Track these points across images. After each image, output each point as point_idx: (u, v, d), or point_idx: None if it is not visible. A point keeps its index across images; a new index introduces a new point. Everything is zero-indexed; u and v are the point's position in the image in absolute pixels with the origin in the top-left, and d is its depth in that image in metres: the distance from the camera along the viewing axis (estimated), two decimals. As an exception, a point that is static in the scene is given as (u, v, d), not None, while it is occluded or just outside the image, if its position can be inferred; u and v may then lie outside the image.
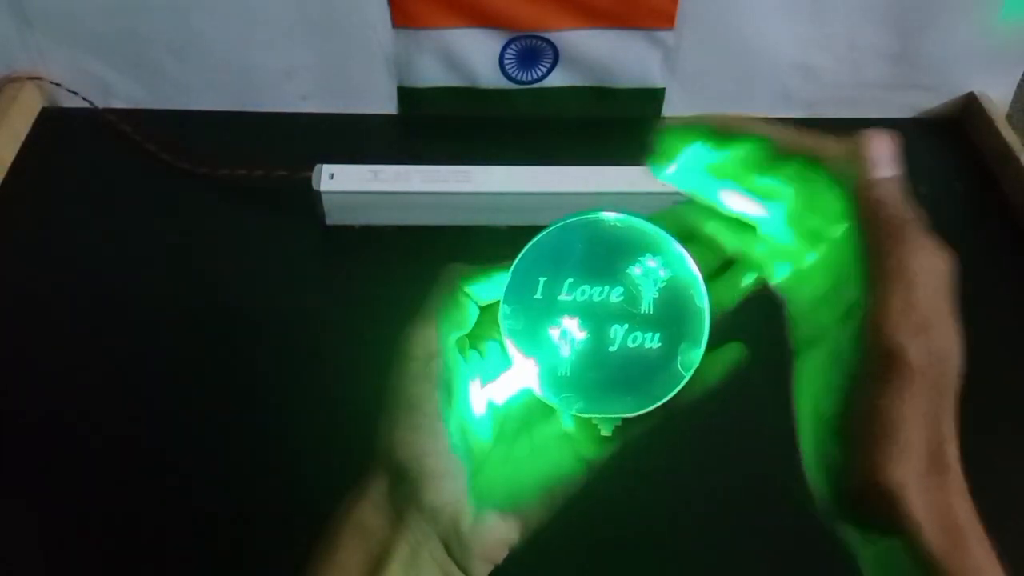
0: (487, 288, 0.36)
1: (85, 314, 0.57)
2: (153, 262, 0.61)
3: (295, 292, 0.59)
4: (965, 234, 0.68)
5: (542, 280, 0.36)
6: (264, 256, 0.62)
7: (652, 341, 0.36)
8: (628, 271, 0.36)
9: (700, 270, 0.35)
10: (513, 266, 0.36)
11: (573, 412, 0.35)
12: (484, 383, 0.36)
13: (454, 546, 0.33)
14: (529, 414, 0.37)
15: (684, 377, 0.35)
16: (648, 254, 0.36)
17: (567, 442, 0.36)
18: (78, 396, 0.52)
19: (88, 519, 0.47)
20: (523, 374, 0.36)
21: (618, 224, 0.36)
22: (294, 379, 0.53)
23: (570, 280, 0.36)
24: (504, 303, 0.36)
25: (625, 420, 0.36)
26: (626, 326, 0.36)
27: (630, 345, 0.36)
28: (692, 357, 0.35)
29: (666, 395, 0.35)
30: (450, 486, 0.33)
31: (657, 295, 0.36)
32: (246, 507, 0.47)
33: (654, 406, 0.35)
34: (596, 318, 0.36)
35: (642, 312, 0.36)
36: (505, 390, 0.36)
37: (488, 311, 0.37)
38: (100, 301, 0.58)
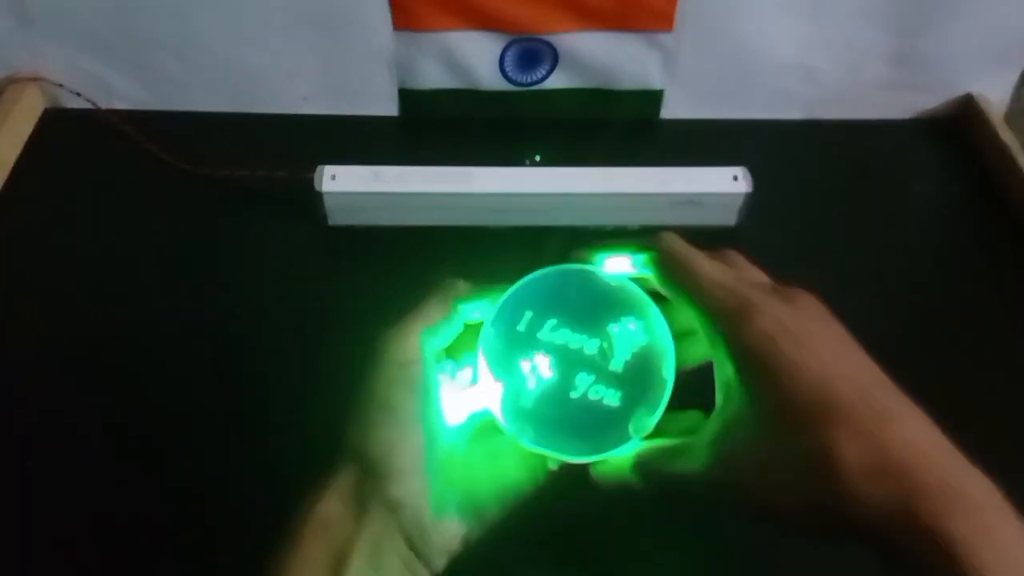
0: (477, 307, 0.38)
1: (86, 314, 0.57)
2: (154, 262, 0.61)
3: (297, 292, 0.59)
4: (965, 234, 0.68)
5: (528, 314, 0.38)
6: (266, 257, 0.62)
7: (613, 398, 0.37)
8: (608, 328, 0.38)
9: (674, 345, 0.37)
10: (507, 294, 0.38)
11: (524, 442, 0.37)
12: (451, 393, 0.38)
13: (416, 539, 0.35)
14: (491, 422, 0.39)
15: (631, 440, 0.37)
16: (632, 317, 0.38)
17: (523, 453, 0.38)
18: (78, 396, 0.53)
19: (87, 518, 0.47)
20: (488, 395, 0.38)
21: (611, 283, 0.38)
22: (296, 379, 0.53)
23: (553, 321, 0.38)
24: (489, 324, 0.38)
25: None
26: (592, 378, 0.37)
27: (591, 397, 0.37)
28: (645, 423, 0.37)
29: (610, 451, 0.37)
30: (415, 483, 0.35)
31: (630, 357, 0.37)
32: (245, 507, 0.47)
33: (595, 457, 0.37)
34: (568, 363, 0.37)
35: (611, 369, 0.37)
36: (468, 405, 0.38)
37: (470, 327, 0.39)
38: (101, 301, 0.58)
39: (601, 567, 0.46)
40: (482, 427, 0.39)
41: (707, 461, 0.33)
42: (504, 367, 0.38)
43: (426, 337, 0.37)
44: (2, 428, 0.51)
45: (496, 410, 0.37)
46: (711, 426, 0.34)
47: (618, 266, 0.39)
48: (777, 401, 0.30)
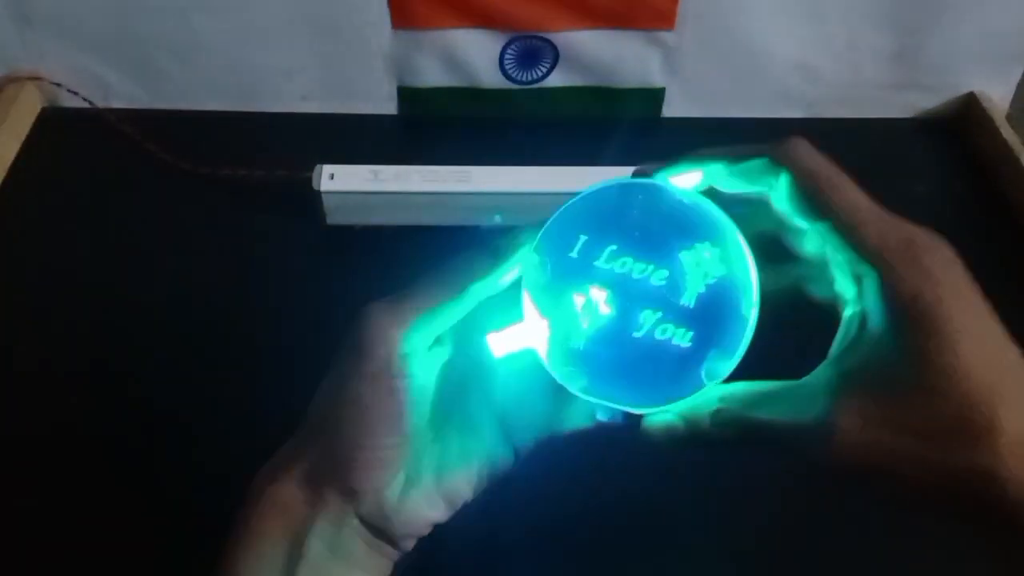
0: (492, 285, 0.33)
1: (85, 314, 0.57)
2: (153, 262, 0.61)
3: (295, 292, 0.59)
4: (965, 234, 0.68)
5: (582, 238, 0.32)
6: (264, 256, 0.62)
7: (683, 338, 0.32)
8: (679, 255, 0.32)
9: (758, 277, 0.31)
10: (556, 213, 0.32)
11: (575, 390, 0.32)
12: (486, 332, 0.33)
13: (377, 524, 0.33)
14: (462, 394, 0.35)
15: (704, 386, 0.31)
16: (708, 243, 0.32)
17: (498, 425, 0.35)
18: (77, 395, 0.52)
19: (85, 516, 0.47)
20: (532, 334, 0.32)
21: (684, 200, 0.32)
22: (294, 379, 0.53)
23: (613, 247, 0.32)
24: (534, 251, 0.32)
25: (627, 414, 0.32)
26: (659, 314, 0.32)
27: (657, 336, 0.32)
28: (720, 368, 0.31)
29: (678, 399, 0.32)
30: (378, 475, 0.32)
31: (703, 290, 0.32)
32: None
33: (661, 407, 0.32)
34: (628, 296, 0.32)
35: (681, 304, 0.32)
36: (507, 344, 0.33)
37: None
38: (100, 301, 0.58)
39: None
40: (453, 396, 0.35)
41: (823, 411, 0.28)
42: (553, 302, 0.32)
43: (420, 325, 0.32)
44: (2, 427, 0.51)
45: (542, 352, 0.32)
46: (827, 371, 0.30)
47: (692, 180, 0.33)
48: (937, 357, 0.27)
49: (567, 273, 0.32)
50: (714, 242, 0.32)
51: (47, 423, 0.51)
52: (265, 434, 0.50)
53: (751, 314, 0.31)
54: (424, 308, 0.32)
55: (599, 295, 0.32)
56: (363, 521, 0.33)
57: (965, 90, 0.73)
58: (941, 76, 0.72)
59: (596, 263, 0.32)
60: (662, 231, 0.32)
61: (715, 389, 0.31)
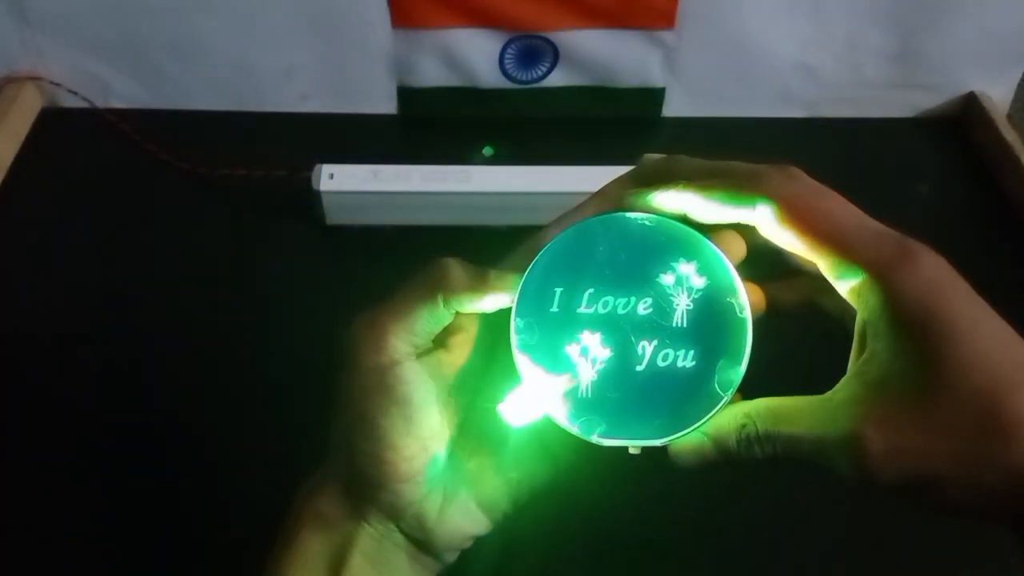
0: (475, 299, 0.32)
1: (84, 314, 0.57)
2: (153, 262, 0.61)
3: (295, 292, 0.59)
4: (965, 234, 0.68)
5: (558, 291, 0.32)
6: (264, 256, 0.62)
7: (686, 359, 0.32)
8: (658, 278, 0.32)
9: (741, 274, 0.31)
10: (526, 274, 0.32)
11: (594, 437, 0.32)
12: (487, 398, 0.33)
13: (419, 539, 0.33)
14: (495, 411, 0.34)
15: (723, 398, 0.31)
16: (681, 258, 0.32)
17: (537, 440, 0.34)
18: (76, 394, 0.52)
19: (85, 515, 0.47)
20: (540, 396, 0.32)
21: (646, 223, 0.32)
22: (294, 379, 0.53)
23: (590, 290, 0.32)
24: (517, 316, 0.32)
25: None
26: (656, 341, 0.32)
27: (660, 364, 0.32)
28: (732, 376, 0.31)
29: (701, 418, 0.31)
30: (410, 490, 0.32)
31: (691, 306, 0.32)
32: (243, 506, 0.47)
33: (688, 431, 0.31)
34: (621, 332, 0.32)
35: (674, 325, 0.32)
36: (521, 413, 0.33)
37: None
38: (99, 301, 0.58)
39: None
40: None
41: (848, 424, 0.28)
42: (550, 359, 0.32)
43: (404, 334, 0.32)
44: (2, 427, 0.51)
45: (556, 412, 0.32)
46: (849, 385, 0.29)
47: (651, 204, 0.33)
48: (953, 357, 0.27)
49: (555, 328, 0.32)
50: (687, 256, 0.32)
51: (47, 422, 0.51)
52: (265, 433, 0.51)
53: (746, 314, 0.31)
54: (402, 315, 0.32)
55: (592, 339, 0.32)
56: (405, 535, 0.33)
57: (965, 90, 0.73)
58: (941, 76, 0.72)
59: (579, 310, 0.32)
60: (632, 261, 0.32)
61: (739, 406, 0.31)
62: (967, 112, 0.73)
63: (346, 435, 0.33)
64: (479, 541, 0.34)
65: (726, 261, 0.31)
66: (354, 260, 0.61)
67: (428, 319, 0.32)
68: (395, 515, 0.32)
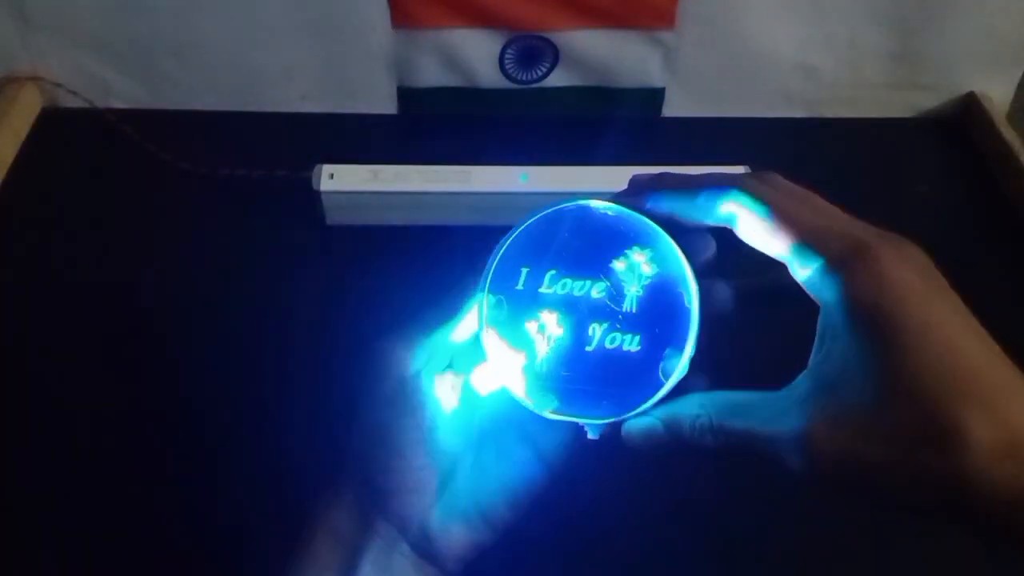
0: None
1: (84, 314, 0.57)
2: (153, 262, 0.61)
3: (295, 292, 0.59)
4: (965, 234, 0.68)
5: (524, 270, 0.34)
6: (264, 256, 0.62)
7: (631, 343, 0.33)
8: (612, 265, 0.34)
9: (693, 267, 0.33)
10: (497, 254, 0.34)
11: (547, 413, 0.34)
12: (456, 378, 0.35)
13: (424, 550, 0.34)
14: (496, 417, 0.36)
15: (663, 385, 0.33)
16: (636, 247, 0.33)
17: (528, 445, 0.35)
18: (77, 395, 0.52)
19: (85, 515, 0.47)
20: (502, 369, 0.34)
21: (608, 213, 0.34)
22: (294, 379, 0.53)
23: (552, 272, 0.34)
24: (489, 291, 0.34)
25: (610, 425, 0.33)
26: (605, 325, 0.33)
27: (607, 346, 0.33)
28: (674, 363, 0.33)
29: (643, 403, 0.33)
30: (417, 500, 0.34)
31: (642, 292, 0.33)
32: (243, 506, 0.47)
33: (630, 414, 0.33)
34: (576, 314, 0.34)
35: (624, 310, 0.33)
36: (484, 385, 0.35)
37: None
38: (99, 301, 0.58)
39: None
40: (487, 421, 0.36)
41: (797, 422, 0.29)
42: (514, 334, 0.34)
43: (426, 346, 0.34)
44: (2, 426, 0.51)
45: (515, 386, 0.34)
46: (804, 382, 0.30)
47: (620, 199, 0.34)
48: (900, 361, 0.27)
49: (519, 305, 0.34)
50: (643, 245, 0.33)
51: (48, 422, 0.51)
52: (265, 432, 0.51)
53: (694, 305, 0.33)
54: (426, 329, 0.34)
55: (549, 318, 0.34)
56: (412, 547, 0.34)
57: (965, 90, 0.73)
58: (941, 76, 0.72)
59: (540, 289, 0.34)
60: (592, 247, 0.34)
61: (697, 396, 0.32)
62: (967, 112, 0.73)
63: (361, 444, 0.34)
64: (483, 553, 0.35)
65: (679, 253, 0.33)
66: (354, 260, 0.61)
67: (450, 331, 0.34)
68: (402, 525, 0.34)
